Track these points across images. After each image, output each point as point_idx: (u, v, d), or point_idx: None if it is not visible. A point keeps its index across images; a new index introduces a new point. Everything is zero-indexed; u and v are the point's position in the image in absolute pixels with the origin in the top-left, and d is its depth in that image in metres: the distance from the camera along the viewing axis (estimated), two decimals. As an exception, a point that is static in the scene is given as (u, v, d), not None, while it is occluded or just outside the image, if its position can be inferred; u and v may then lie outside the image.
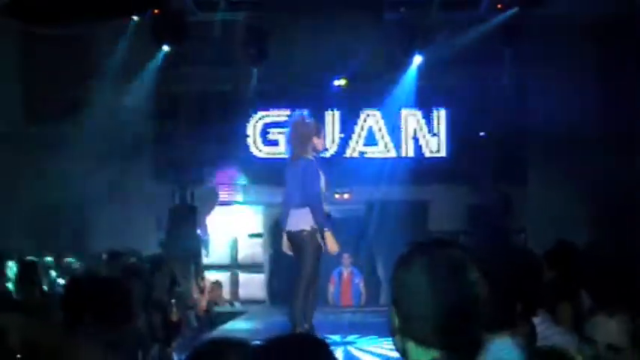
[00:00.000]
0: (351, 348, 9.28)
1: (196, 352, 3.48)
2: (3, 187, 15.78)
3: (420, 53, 16.14)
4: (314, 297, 9.70)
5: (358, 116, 16.81)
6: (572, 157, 15.91)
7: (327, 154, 14.09)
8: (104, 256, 13.13)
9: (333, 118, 16.66)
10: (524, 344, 4.05)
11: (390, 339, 2.89)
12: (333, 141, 16.42)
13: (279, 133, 16.33)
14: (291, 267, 10.01)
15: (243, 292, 17.08)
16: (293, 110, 15.84)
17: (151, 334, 8.57)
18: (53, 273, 11.41)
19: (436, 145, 16.79)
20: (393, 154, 16.80)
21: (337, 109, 16.73)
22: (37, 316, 5.89)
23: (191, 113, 16.45)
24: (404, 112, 16.78)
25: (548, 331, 4.78)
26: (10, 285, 9.38)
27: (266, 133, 16.77)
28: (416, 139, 16.79)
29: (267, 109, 16.78)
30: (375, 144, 16.79)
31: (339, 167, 14.99)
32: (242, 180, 17.22)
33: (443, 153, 16.78)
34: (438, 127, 16.78)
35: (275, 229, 14.40)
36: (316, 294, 9.83)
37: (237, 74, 16.40)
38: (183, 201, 16.70)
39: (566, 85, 15.70)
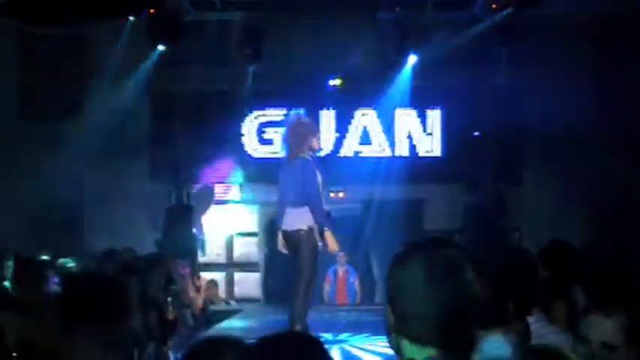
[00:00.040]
0: (345, 346, 9.31)
1: (192, 350, 3.49)
2: (-1, 187, 15.81)
3: (414, 53, 16.13)
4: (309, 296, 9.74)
5: (353, 115, 16.81)
6: (567, 156, 15.94)
7: (322, 153, 14.10)
8: (100, 255, 13.17)
9: (328, 118, 16.67)
10: (517, 342, 4.08)
11: (385, 337, 2.90)
12: (328, 140, 16.43)
13: (275, 132, 16.36)
14: (287, 266, 10.04)
15: (238, 291, 17.10)
16: (288, 109, 15.92)
17: (147, 332, 8.60)
18: (50, 272, 11.41)
19: (430, 145, 16.80)
20: (387, 153, 16.80)
21: (332, 109, 16.71)
22: (33, 315, 5.90)
23: (187, 113, 16.44)
24: (398, 111, 16.78)
25: (542, 330, 4.80)
26: (7, 284, 9.38)
27: (261, 132, 16.77)
28: (410, 139, 16.80)
29: (263, 109, 16.77)
30: (370, 143, 16.81)
31: (333, 166, 14.98)
32: (238, 179, 17.22)
33: (437, 152, 16.80)
34: (433, 127, 16.81)
35: (270, 228, 14.42)
36: (311, 293, 9.86)
37: (233, 74, 16.37)
38: (179, 200, 16.71)
39: (562, 85, 15.71)
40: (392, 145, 16.78)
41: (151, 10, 15.41)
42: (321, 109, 16.39)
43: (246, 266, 17.22)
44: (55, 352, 4.47)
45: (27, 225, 15.44)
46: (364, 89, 16.60)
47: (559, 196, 15.98)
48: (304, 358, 3.08)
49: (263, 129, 16.77)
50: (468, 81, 16.23)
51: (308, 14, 15.70)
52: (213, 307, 14.39)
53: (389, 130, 16.77)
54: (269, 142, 16.69)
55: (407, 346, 2.75)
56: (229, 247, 17.34)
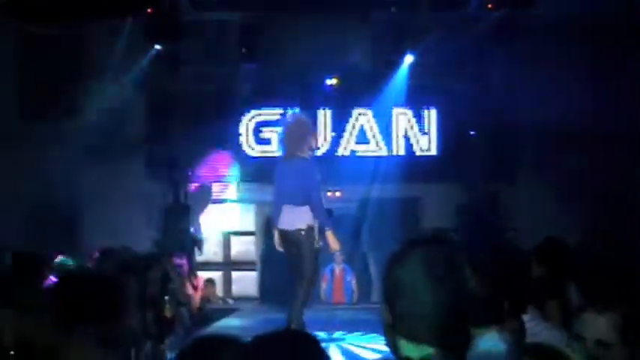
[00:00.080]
0: (342, 345, 9.33)
1: (189, 348, 3.50)
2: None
3: (411, 53, 16.20)
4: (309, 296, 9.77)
5: (350, 115, 16.83)
6: (562, 156, 15.99)
7: (319, 153, 14.13)
8: (97, 254, 13.18)
9: (324, 117, 16.69)
10: (512, 340, 4.10)
11: (382, 336, 2.90)
12: (325, 139, 16.45)
13: (272, 131, 16.42)
14: (283, 264, 10.05)
15: (235, 290, 17.12)
16: (285, 109, 16.08)
17: (145, 331, 8.62)
18: (48, 270, 11.41)
19: (427, 144, 16.84)
20: (384, 152, 16.83)
21: (329, 108, 16.73)
22: (31, 313, 5.91)
23: (184, 112, 16.43)
24: (395, 110, 16.82)
25: (537, 328, 4.81)
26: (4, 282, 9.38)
27: (259, 131, 16.80)
28: (407, 138, 16.83)
29: (260, 108, 16.80)
30: (367, 142, 16.83)
31: (330, 165, 14.99)
32: (235, 178, 17.24)
33: (433, 151, 16.83)
34: (429, 126, 16.84)
35: (267, 227, 14.44)
36: (312, 293, 9.89)
37: (230, 73, 16.38)
38: (176, 199, 16.74)
39: (557, 85, 15.74)
40: (388, 144, 16.81)
41: (149, 10, 15.42)
42: (318, 108, 16.40)
43: (243, 265, 17.24)
44: (52, 350, 4.46)
45: (25, 223, 15.45)
46: (361, 89, 16.64)
47: (554, 196, 16.02)
48: (301, 357, 3.06)
49: (260, 128, 16.79)
50: (464, 81, 16.24)
51: (305, 14, 15.74)
52: (210, 306, 14.41)
53: (385, 129, 16.80)
54: (266, 141, 16.73)
55: (404, 344, 2.75)
56: (226, 245, 17.38)
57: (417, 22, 15.90)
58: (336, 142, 16.76)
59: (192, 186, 17.10)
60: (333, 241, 9.57)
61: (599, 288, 6.00)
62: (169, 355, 8.75)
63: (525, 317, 4.58)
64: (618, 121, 15.39)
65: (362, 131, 16.82)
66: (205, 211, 17.25)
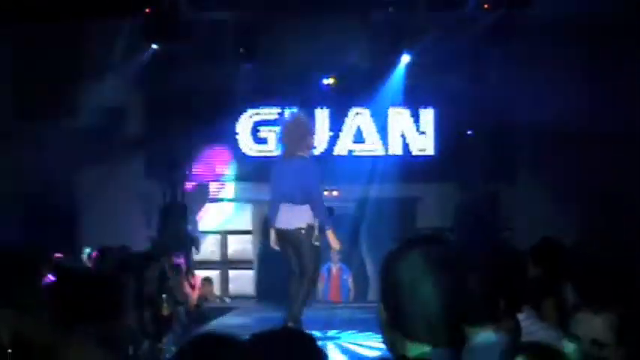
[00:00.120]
0: (339, 343, 9.34)
1: (187, 346, 3.51)
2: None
3: (407, 52, 16.22)
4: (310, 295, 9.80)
5: (347, 114, 16.86)
6: (559, 156, 16.01)
7: (316, 152, 14.15)
8: (95, 253, 13.19)
9: (322, 116, 16.71)
10: (507, 339, 4.12)
11: (379, 334, 2.92)
12: (322, 139, 16.47)
13: (269, 131, 16.45)
14: (281, 263, 10.06)
15: (232, 288, 17.15)
16: (283, 108, 16.09)
17: (142, 329, 8.63)
18: (45, 269, 11.43)
19: (424, 144, 16.87)
20: (381, 152, 16.86)
21: (326, 107, 16.77)
22: (28, 312, 5.91)
23: (182, 111, 16.44)
24: (392, 110, 16.85)
25: (533, 327, 4.83)
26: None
27: (256, 131, 16.83)
28: (404, 138, 16.86)
29: (257, 108, 16.83)
30: (364, 142, 16.87)
31: (327, 165, 15.00)
32: (232, 177, 17.26)
33: (430, 151, 16.85)
34: (426, 126, 16.87)
35: (265, 226, 14.47)
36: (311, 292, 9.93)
37: (228, 73, 16.38)
38: (174, 198, 16.76)
39: (554, 85, 15.76)
40: (385, 143, 16.83)
41: (147, 10, 15.44)
42: (316, 107, 16.41)
43: (240, 264, 17.27)
44: (50, 349, 4.46)
45: (23, 223, 15.46)
46: (358, 88, 16.65)
47: (550, 196, 16.05)
48: (297, 355, 3.09)
49: (257, 128, 16.82)
50: (461, 80, 16.24)
51: (303, 14, 15.74)
52: (207, 305, 14.42)
53: (382, 129, 16.84)
54: (263, 140, 16.76)
55: (400, 342, 2.77)
56: (224, 244, 17.40)
57: (414, 22, 15.91)
58: (333, 141, 16.79)
59: (190, 185, 17.12)
60: (333, 241, 9.59)
61: (595, 288, 6.02)
62: (167, 353, 8.76)
63: (521, 316, 4.59)
64: (615, 121, 15.40)
65: (359, 131, 16.85)
66: (203, 210, 17.28)
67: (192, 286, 14.30)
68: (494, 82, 16.04)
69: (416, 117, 16.84)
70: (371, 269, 16.75)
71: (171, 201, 16.71)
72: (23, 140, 15.84)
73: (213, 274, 16.63)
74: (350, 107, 16.83)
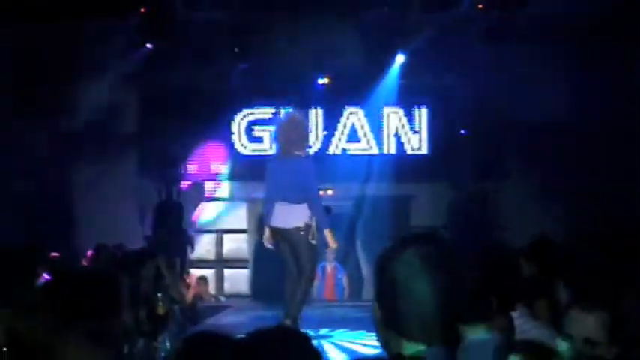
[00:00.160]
0: (333, 342, 9.36)
1: (182, 345, 3.53)
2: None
3: (402, 52, 16.25)
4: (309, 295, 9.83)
5: (341, 114, 16.88)
6: (551, 155, 16.06)
7: (311, 151, 14.16)
8: (90, 251, 13.22)
9: (316, 116, 16.74)
10: (501, 337, 4.15)
11: (373, 333, 2.94)
12: (316, 138, 16.50)
13: (264, 130, 16.48)
14: (275, 262, 10.09)
15: (228, 287, 17.16)
16: (277, 108, 16.10)
17: (137, 327, 8.65)
18: (41, 267, 11.44)
19: (417, 143, 16.89)
20: (375, 151, 16.88)
21: (320, 107, 16.80)
22: (25, 310, 5.92)
23: (176, 110, 16.45)
24: (386, 109, 16.88)
25: (526, 325, 4.86)
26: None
27: (251, 130, 16.86)
28: (398, 137, 16.89)
29: (252, 107, 16.86)
30: (358, 141, 16.89)
31: (322, 164, 15.02)
32: (227, 176, 17.28)
33: (424, 150, 16.88)
34: (420, 125, 16.90)
35: (260, 225, 14.49)
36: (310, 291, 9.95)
37: (222, 72, 16.41)
38: (169, 197, 16.77)
39: (546, 85, 15.83)
40: (379, 143, 16.86)
41: (142, 10, 15.46)
42: (310, 107, 16.43)
43: (235, 262, 17.27)
44: (45, 347, 4.47)
45: (19, 221, 15.45)
46: (352, 88, 16.65)
47: (544, 194, 16.08)
48: (292, 353, 3.07)
49: (252, 127, 16.85)
50: (455, 80, 16.28)
51: (297, 14, 15.75)
52: (202, 303, 14.43)
53: (377, 128, 16.86)
54: (258, 139, 16.79)
55: (395, 341, 2.78)
56: (219, 243, 17.42)
57: (408, 22, 15.92)
58: (327, 140, 16.81)
59: (185, 184, 17.15)
60: (331, 240, 9.59)
61: (587, 287, 6.05)
62: (162, 351, 8.77)
63: (514, 315, 4.63)
64: (606, 120, 15.47)
65: (353, 130, 16.87)
66: (198, 208, 17.31)
67: (188, 285, 14.31)
68: (488, 82, 16.05)
69: (410, 116, 16.87)
70: (365, 267, 16.77)
71: (166, 200, 16.72)
72: (19, 137, 15.83)
73: (209, 272, 16.63)
74: (344, 107, 16.85)
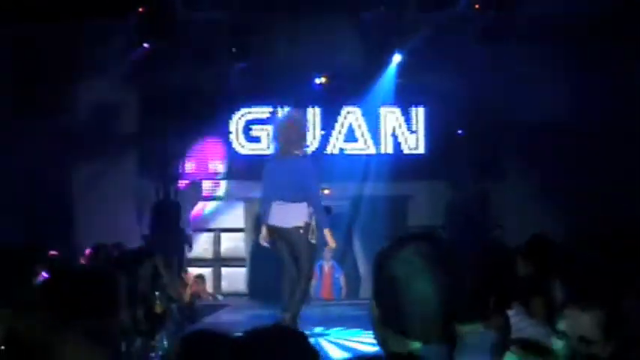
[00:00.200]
0: (330, 340, 9.38)
1: (180, 343, 3.55)
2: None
3: (399, 52, 16.27)
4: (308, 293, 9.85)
5: (339, 113, 16.91)
6: (549, 154, 16.08)
7: (308, 151, 14.18)
8: (89, 250, 13.21)
9: (313, 115, 16.76)
10: (497, 336, 4.16)
11: (370, 331, 2.95)
12: (314, 137, 16.52)
13: (262, 129, 16.51)
14: (272, 261, 10.10)
15: (225, 286, 17.18)
16: (275, 107, 16.12)
17: (135, 326, 8.66)
18: (39, 266, 11.45)
19: (415, 142, 16.93)
20: (372, 150, 16.91)
21: (318, 106, 16.82)
22: (23, 309, 5.92)
23: (175, 110, 16.47)
24: (383, 109, 16.92)
25: (522, 324, 4.87)
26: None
27: (248, 129, 16.88)
28: (395, 136, 16.92)
29: (250, 106, 16.88)
30: (355, 140, 16.92)
31: (319, 163, 15.03)
32: (225, 175, 17.30)
33: (421, 150, 16.91)
34: (417, 125, 16.93)
35: (257, 224, 14.51)
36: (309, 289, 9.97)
37: (221, 72, 16.43)
38: (167, 196, 16.79)
39: (544, 84, 15.85)
40: (377, 142, 16.89)
41: (141, 9, 15.47)
42: (307, 106, 16.44)
43: (232, 261, 17.29)
44: (43, 346, 4.47)
45: (18, 221, 15.46)
46: (349, 87, 16.67)
47: (541, 194, 16.11)
48: (289, 352, 3.10)
49: (250, 126, 16.87)
50: (452, 80, 16.27)
51: (295, 14, 15.77)
52: (200, 302, 14.45)
53: (374, 127, 16.89)
54: (256, 139, 16.81)
55: (392, 339, 2.80)
56: (216, 242, 17.43)
57: (405, 21, 15.94)
58: (324, 140, 16.83)
59: (183, 183, 17.16)
60: (330, 239, 9.61)
61: (583, 285, 6.06)
62: (160, 350, 8.79)
63: (510, 313, 4.62)
64: (605, 120, 15.49)
65: (350, 129, 16.90)
66: (196, 208, 17.32)
67: (185, 284, 14.33)
68: (485, 81, 16.07)
69: (407, 116, 16.90)
70: (363, 267, 16.79)
71: (164, 199, 16.74)
72: (19, 138, 15.83)
73: (206, 271, 16.66)
74: (341, 106, 16.88)
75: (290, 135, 9.56)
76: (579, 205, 15.50)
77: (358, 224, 17.03)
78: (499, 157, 16.82)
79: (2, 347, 5.12)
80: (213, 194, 17.43)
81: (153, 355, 8.29)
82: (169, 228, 16.18)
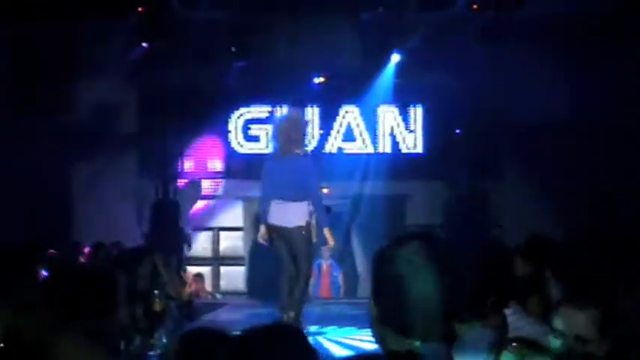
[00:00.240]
0: (328, 338, 9.40)
1: (180, 341, 3.57)
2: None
3: (397, 52, 16.28)
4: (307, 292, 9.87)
5: (337, 113, 16.95)
6: (547, 153, 16.09)
7: (308, 150, 14.18)
8: (88, 248, 13.24)
9: (312, 115, 16.77)
10: (495, 334, 4.18)
11: (369, 330, 2.97)
12: (312, 137, 16.52)
13: (260, 129, 16.53)
14: (271, 259, 10.11)
15: (224, 284, 17.21)
16: (274, 107, 16.14)
17: (134, 324, 8.67)
18: (39, 265, 11.45)
19: (413, 142, 16.95)
20: (370, 149, 16.94)
21: (316, 106, 16.85)
22: (22, 308, 5.93)
23: (174, 109, 16.50)
24: (381, 108, 16.95)
25: (519, 322, 4.90)
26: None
27: (247, 128, 16.90)
28: (393, 136, 16.95)
29: (249, 106, 16.91)
30: (354, 140, 16.95)
31: (319, 162, 15.05)
32: (224, 174, 17.32)
33: (419, 149, 16.95)
34: (415, 124, 16.95)
35: (256, 223, 14.51)
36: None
37: (220, 71, 16.45)
38: (166, 195, 16.81)
39: (543, 84, 15.87)
40: (375, 142, 16.91)
41: (140, 9, 15.49)
42: (306, 106, 16.45)
43: (231, 260, 17.32)
44: (43, 345, 4.48)
45: (18, 219, 15.48)
46: (348, 87, 16.70)
47: (539, 193, 16.13)
48: (288, 350, 3.12)
49: (249, 125, 16.90)
50: (450, 79, 16.30)
51: (294, 14, 15.79)
52: (199, 300, 14.46)
53: (372, 127, 16.91)
54: (255, 138, 16.84)
55: (390, 337, 2.81)
56: (215, 241, 17.46)
57: (403, 21, 15.95)
58: (323, 139, 16.85)
59: (182, 182, 17.18)
60: (330, 238, 9.62)
61: (580, 284, 6.08)
62: (158, 348, 8.80)
63: (508, 311, 4.66)
64: (603, 119, 15.50)
65: (349, 129, 16.92)
66: (195, 206, 17.34)
67: (184, 282, 14.34)
68: (483, 81, 16.09)
69: (405, 115, 16.94)
70: (361, 266, 16.81)
71: (163, 198, 16.77)
72: (19, 137, 15.84)
73: (205, 270, 16.69)
74: (340, 106, 16.92)
75: (291, 134, 9.54)
76: (579, 205, 15.51)
77: (356, 223, 17.05)
78: (497, 157, 16.84)
79: (1, 345, 5.12)
80: (212, 193, 17.44)
81: (152, 353, 8.30)
82: (168, 227, 16.20)
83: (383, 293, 2.84)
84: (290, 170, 9.34)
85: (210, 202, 17.49)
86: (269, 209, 9.45)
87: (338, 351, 8.58)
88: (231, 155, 17.05)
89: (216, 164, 17.30)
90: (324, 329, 10.03)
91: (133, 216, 16.66)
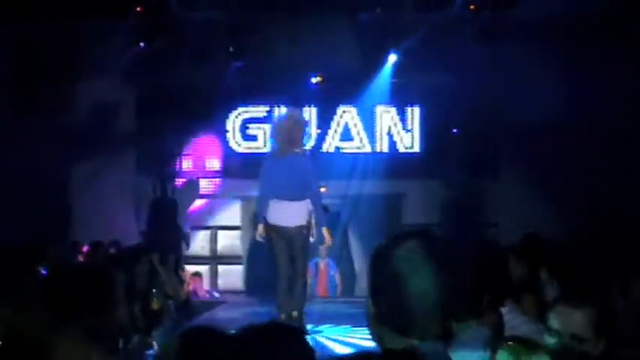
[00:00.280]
0: (326, 337, 9.43)
1: (178, 340, 3.59)
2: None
3: (394, 52, 16.30)
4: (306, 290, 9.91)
5: (335, 112, 16.96)
6: (544, 153, 16.11)
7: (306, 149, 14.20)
8: (86, 247, 13.25)
9: (309, 114, 16.77)
10: (491, 333, 4.21)
11: (366, 328, 2.96)
12: (310, 136, 16.53)
13: (258, 128, 16.56)
14: (269, 258, 10.13)
15: (222, 283, 17.22)
16: (272, 106, 16.16)
17: (132, 323, 8.71)
18: (38, 264, 11.47)
19: (410, 141, 16.97)
20: (368, 149, 16.95)
21: (314, 106, 16.86)
22: (22, 306, 5.95)
23: (172, 108, 16.52)
24: (379, 108, 16.96)
25: (515, 321, 4.92)
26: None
27: (245, 128, 16.93)
28: (390, 135, 16.97)
29: (247, 105, 16.93)
30: (351, 139, 16.96)
31: (318, 161, 15.07)
32: (222, 173, 17.33)
33: (417, 149, 16.95)
34: (412, 124, 16.97)
35: (254, 222, 14.52)
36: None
37: (218, 71, 16.47)
38: (164, 194, 16.83)
39: (539, 84, 15.86)
40: (372, 141, 16.93)
41: (138, 9, 15.51)
42: (304, 105, 16.46)
43: (229, 259, 17.34)
44: (41, 343, 4.49)
45: (17, 218, 15.49)
46: (345, 87, 16.71)
47: (535, 192, 16.14)
48: (285, 349, 3.13)
49: (247, 125, 16.92)
50: (447, 79, 16.31)
51: (291, 14, 15.80)
52: (197, 299, 14.49)
53: (369, 126, 16.93)
54: (252, 137, 16.86)
55: (388, 336, 2.81)
56: (213, 240, 17.47)
57: (401, 21, 15.96)
58: (321, 138, 16.87)
59: (180, 181, 17.21)
60: (328, 237, 9.64)
61: (576, 283, 6.12)
62: (156, 347, 8.83)
63: (504, 310, 4.69)
64: (600, 119, 15.52)
65: (346, 128, 16.94)
66: (192, 205, 17.36)
67: (182, 281, 14.36)
68: (481, 81, 16.09)
69: (402, 115, 16.94)
70: (358, 264, 16.84)
71: (161, 197, 16.79)
72: (19, 137, 15.85)
73: (203, 268, 16.70)
74: (337, 105, 16.93)
75: (290, 134, 9.54)
76: (579, 205, 15.51)
77: (353, 222, 17.07)
78: (496, 157, 16.84)
79: (1, 344, 5.14)
80: (210, 192, 17.46)
81: (150, 351, 8.34)
82: (166, 226, 16.23)
83: (381, 292, 2.84)
84: (289, 170, 9.35)
85: (208, 201, 17.49)
86: (268, 209, 9.46)
87: (335, 349, 8.62)
88: (229, 154, 17.06)
89: (214, 163, 17.31)
90: (322, 328, 10.06)
91: (131, 215, 16.68)
